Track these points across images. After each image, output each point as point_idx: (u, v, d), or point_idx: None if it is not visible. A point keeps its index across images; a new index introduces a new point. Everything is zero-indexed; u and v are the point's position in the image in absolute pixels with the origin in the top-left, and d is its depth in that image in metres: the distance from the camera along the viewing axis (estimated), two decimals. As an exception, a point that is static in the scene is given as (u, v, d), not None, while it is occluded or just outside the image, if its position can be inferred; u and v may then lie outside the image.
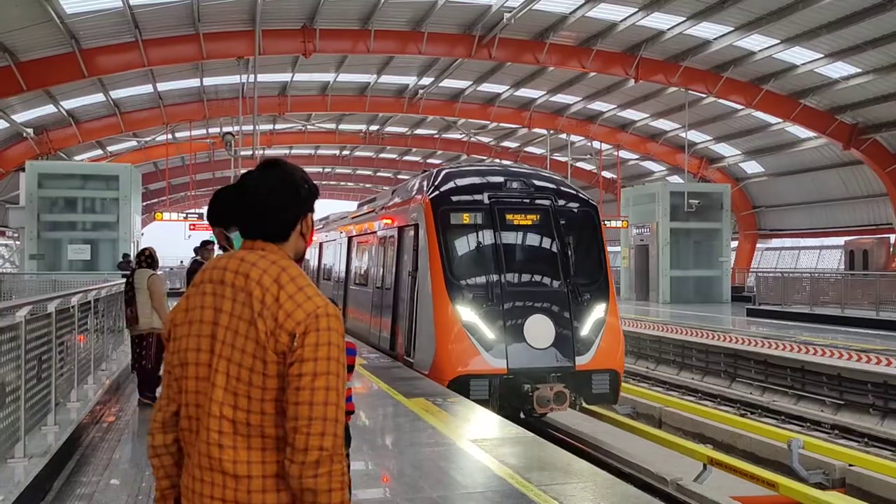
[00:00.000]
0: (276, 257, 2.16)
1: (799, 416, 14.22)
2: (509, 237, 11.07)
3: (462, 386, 9.80)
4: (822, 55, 25.29)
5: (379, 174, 56.75)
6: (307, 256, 22.77)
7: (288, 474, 2.01)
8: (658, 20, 24.31)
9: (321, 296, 2.14)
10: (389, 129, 41.20)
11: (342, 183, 61.29)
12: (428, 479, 6.03)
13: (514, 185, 11.35)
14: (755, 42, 25.38)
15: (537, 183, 11.73)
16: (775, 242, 43.45)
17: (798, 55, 25.88)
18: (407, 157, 50.31)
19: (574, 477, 5.80)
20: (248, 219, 2.23)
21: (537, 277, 11.05)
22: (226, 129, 30.07)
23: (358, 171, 56.79)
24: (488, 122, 37.49)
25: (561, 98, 34.02)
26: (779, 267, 41.58)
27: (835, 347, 16.19)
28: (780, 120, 31.06)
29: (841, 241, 35.53)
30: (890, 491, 9.32)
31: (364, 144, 43.75)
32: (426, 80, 31.26)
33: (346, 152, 48.97)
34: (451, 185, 11.66)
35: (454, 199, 11.30)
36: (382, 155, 50.50)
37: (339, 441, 2.02)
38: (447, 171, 12.48)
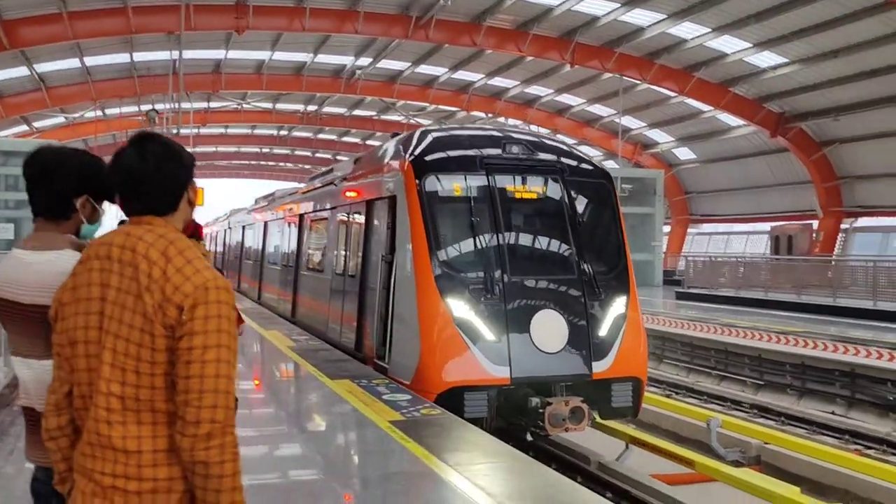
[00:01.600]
0: (163, 230, 2.14)
1: (721, 395, 14.65)
2: (511, 213, 9.13)
3: (454, 400, 7.86)
4: (750, 44, 25.93)
5: (318, 155, 56.17)
6: (250, 241, 22.23)
7: (179, 447, 2.01)
8: (592, 6, 24.59)
9: (210, 269, 2.13)
10: (327, 109, 40.78)
11: (280, 164, 60.39)
12: (348, 461, 6.02)
13: (515, 149, 9.36)
14: (686, 30, 25.89)
15: (543, 146, 9.90)
16: (706, 227, 44.48)
17: (727, 44, 26.50)
18: (346, 138, 49.89)
19: (493, 457, 5.86)
20: (136, 196, 2.19)
21: (546, 263, 9.18)
22: (157, 106, 29.31)
23: (297, 152, 56.10)
24: (427, 105, 37.43)
25: (499, 82, 34.15)
26: (708, 251, 42.57)
27: (757, 330, 16.69)
28: (710, 107, 31.80)
29: (768, 226, 36.56)
30: (802, 467, 9.71)
31: (302, 125, 43.30)
32: (364, 61, 30.99)
33: (283, 132, 48.32)
34: (437, 147, 9.49)
35: (442, 164, 9.16)
36: (321, 136, 50.01)
37: (230, 413, 2.04)
38: (430, 130, 10.31)
